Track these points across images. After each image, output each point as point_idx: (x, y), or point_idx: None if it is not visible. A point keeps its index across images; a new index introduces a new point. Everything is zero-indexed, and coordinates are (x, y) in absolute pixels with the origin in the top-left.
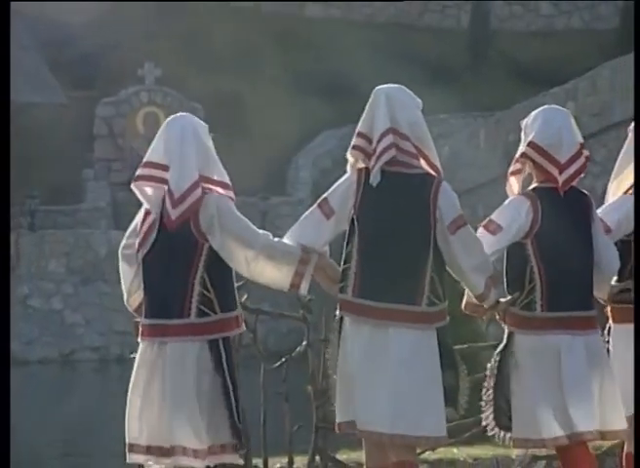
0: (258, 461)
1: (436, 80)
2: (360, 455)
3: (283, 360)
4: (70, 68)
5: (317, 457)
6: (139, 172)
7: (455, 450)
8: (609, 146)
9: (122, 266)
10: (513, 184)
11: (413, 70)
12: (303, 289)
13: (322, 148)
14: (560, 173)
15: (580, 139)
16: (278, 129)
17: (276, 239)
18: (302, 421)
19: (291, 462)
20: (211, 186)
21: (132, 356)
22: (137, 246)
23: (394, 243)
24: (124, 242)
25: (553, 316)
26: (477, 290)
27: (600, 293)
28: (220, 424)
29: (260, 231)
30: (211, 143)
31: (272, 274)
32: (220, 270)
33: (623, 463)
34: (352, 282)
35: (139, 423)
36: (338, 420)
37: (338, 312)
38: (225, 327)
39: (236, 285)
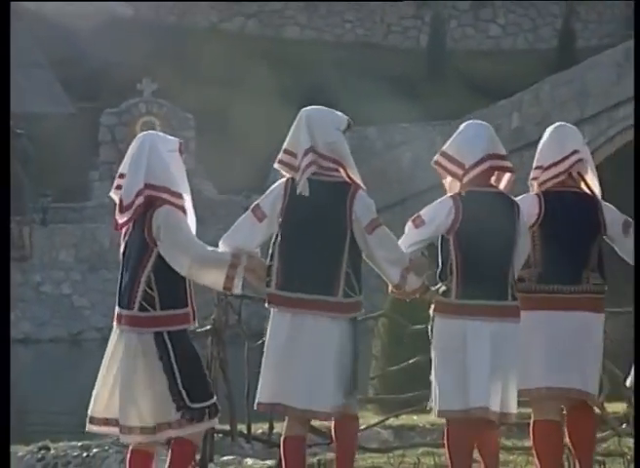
0: (242, 427)
1: (399, 93)
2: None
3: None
4: (78, 83)
5: None
6: (115, 182)
7: (414, 417)
8: None
9: None
10: (450, 186)
11: (378, 85)
12: (236, 288)
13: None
14: (464, 174)
15: (493, 151)
16: (259, 136)
17: (210, 248)
18: None
19: (271, 427)
20: (159, 194)
21: None
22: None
23: (312, 241)
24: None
25: (465, 303)
26: (393, 280)
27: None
28: (165, 404)
29: (198, 242)
30: (173, 157)
31: (207, 278)
32: (166, 272)
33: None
34: (275, 277)
35: (99, 399)
36: (258, 400)
37: (266, 304)
38: (168, 321)
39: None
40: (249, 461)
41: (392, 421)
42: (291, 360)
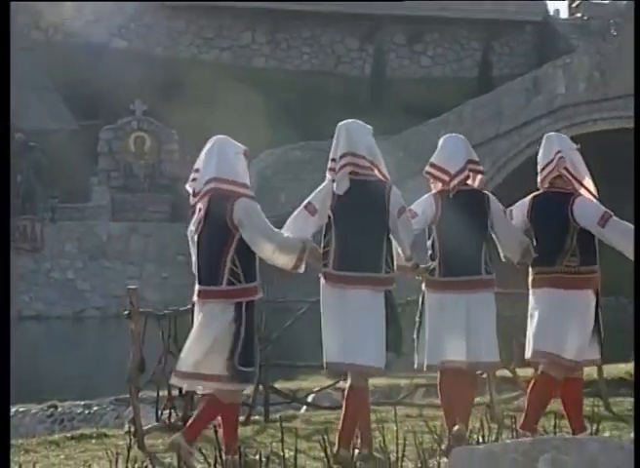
0: None
1: (348, 113)
2: (292, 385)
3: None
4: (80, 104)
5: (261, 387)
6: (191, 176)
7: None
8: None
9: (191, 247)
10: (433, 186)
11: (330, 106)
12: (301, 269)
13: (264, 162)
14: (450, 180)
15: (468, 158)
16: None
17: (285, 234)
18: None
19: (255, 399)
20: (229, 187)
21: (124, 314)
22: (192, 230)
23: (361, 230)
24: (191, 230)
25: (446, 280)
26: (408, 253)
27: (507, 256)
28: (221, 361)
29: (276, 229)
30: (239, 158)
31: (282, 260)
32: (245, 252)
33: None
34: (332, 259)
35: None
36: (326, 361)
37: (323, 281)
38: (247, 293)
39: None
40: None
41: (341, 384)
42: (350, 327)
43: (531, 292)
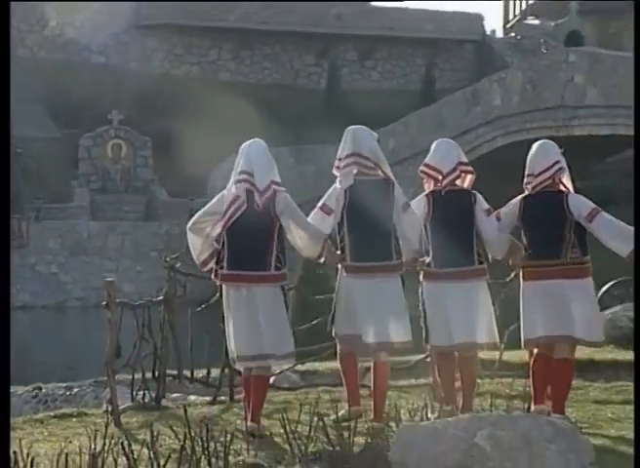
0: (187, 372)
1: (305, 122)
2: None
3: (203, 306)
4: (62, 114)
5: (226, 369)
6: (238, 177)
7: (316, 364)
8: (416, 166)
9: (191, 237)
10: (426, 186)
11: (289, 115)
12: (321, 259)
13: (229, 167)
14: (443, 179)
15: (459, 160)
16: (201, 153)
17: (315, 225)
18: (217, 346)
19: (208, 373)
20: (273, 185)
21: (102, 304)
22: (223, 222)
23: (372, 225)
24: (196, 219)
25: (440, 271)
26: (414, 245)
27: (491, 254)
28: (283, 340)
29: (311, 221)
30: (270, 158)
31: (310, 247)
32: (283, 240)
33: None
34: (349, 253)
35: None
36: (341, 333)
37: (342, 271)
38: (286, 277)
39: (172, 256)
40: (192, 397)
41: (299, 367)
42: (378, 311)
43: (531, 284)
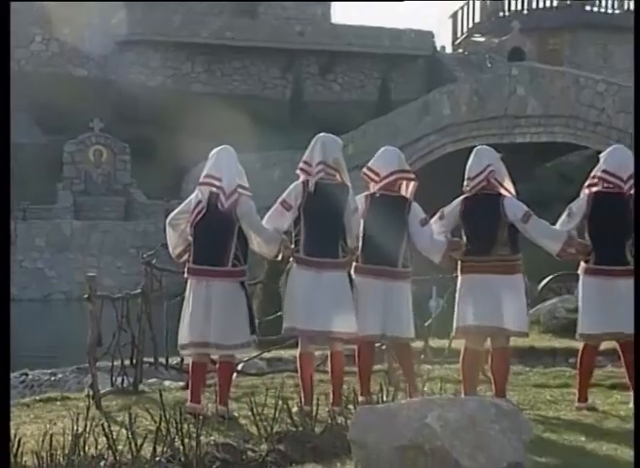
0: (162, 360)
1: (271, 130)
2: None
3: (177, 298)
4: (48, 122)
5: None
6: (201, 180)
7: (282, 352)
8: None
9: (169, 231)
10: (371, 187)
11: (257, 124)
12: (279, 257)
13: (201, 171)
14: (377, 183)
15: (398, 167)
16: (175, 158)
17: (270, 229)
18: None
19: (182, 360)
20: (239, 189)
21: (84, 297)
22: (190, 220)
23: (325, 222)
24: (173, 216)
25: (367, 267)
26: (354, 243)
27: (430, 258)
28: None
29: (265, 225)
30: (237, 164)
31: (266, 250)
32: (242, 239)
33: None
34: (302, 247)
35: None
36: (287, 325)
37: (294, 263)
38: (244, 273)
39: (149, 253)
40: (167, 382)
41: (266, 355)
42: (316, 301)
43: (465, 277)
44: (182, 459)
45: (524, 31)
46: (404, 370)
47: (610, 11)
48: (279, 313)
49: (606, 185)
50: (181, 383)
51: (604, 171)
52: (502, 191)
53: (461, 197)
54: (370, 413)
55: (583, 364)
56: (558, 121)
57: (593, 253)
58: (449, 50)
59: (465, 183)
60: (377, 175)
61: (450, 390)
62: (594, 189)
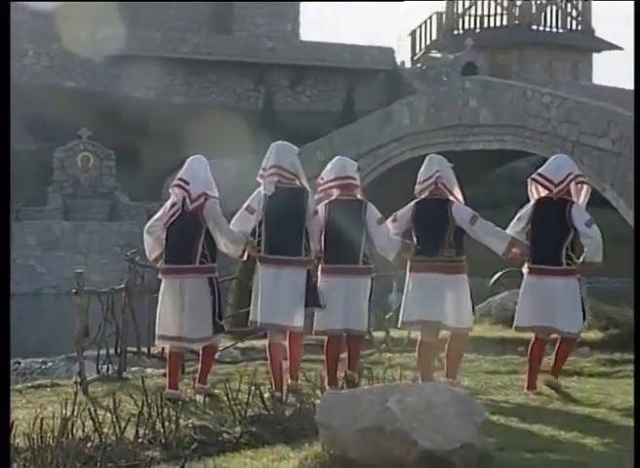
0: (144, 349)
1: (246, 138)
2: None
3: (159, 292)
4: (39, 130)
5: None
6: (174, 182)
7: (254, 342)
8: None
9: (147, 238)
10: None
11: (231, 132)
12: (245, 257)
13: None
14: (329, 188)
15: (347, 174)
16: (157, 164)
17: (236, 231)
18: None
19: (163, 349)
20: (207, 192)
21: (72, 292)
22: (163, 222)
23: (285, 223)
24: (150, 224)
25: (329, 267)
26: (316, 246)
27: (384, 255)
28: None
29: (230, 228)
30: (207, 171)
31: (231, 249)
32: (210, 239)
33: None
34: (263, 246)
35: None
36: (260, 320)
37: (258, 263)
38: (213, 270)
39: (132, 251)
40: (148, 370)
41: (240, 344)
42: (277, 295)
43: (413, 275)
44: (163, 441)
45: (476, 48)
46: (354, 357)
47: (554, 30)
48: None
49: (541, 189)
50: (162, 371)
51: (539, 174)
52: (451, 197)
53: (413, 202)
54: (335, 398)
55: (533, 354)
56: (507, 130)
57: (532, 253)
58: (408, 65)
59: (416, 187)
60: (327, 182)
61: (409, 376)
62: (539, 196)
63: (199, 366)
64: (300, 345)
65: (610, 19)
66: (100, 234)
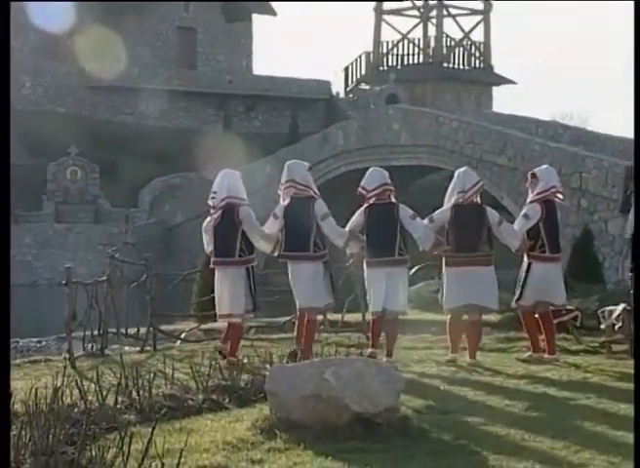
0: (123, 330)
1: (207, 156)
2: (171, 327)
3: (135, 284)
4: (35, 147)
5: (151, 328)
6: (210, 195)
7: (215, 324)
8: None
9: (204, 235)
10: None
11: (196, 151)
12: (276, 253)
13: (154, 186)
14: (368, 194)
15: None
16: (133, 176)
17: (267, 231)
18: (143, 312)
19: (138, 330)
20: (236, 200)
21: (63, 283)
22: (211, 225)
23: (300, 225)
24: (205, 225)
25: (372, 260)
26: (340, 244)
27: (421, 245)
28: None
29: (262, 228)
30: (240, 182)
31: (263, 246)
32: (247, 237)
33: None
34: (281, 245)
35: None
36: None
37: (279, 260)
38: (249, 261)
39: (113, 249)
40: (126, 348)
41: (204, 326)
42: (296, 285)
43: (454, 269)
44: (138, 407)
45: (398, 82)
46: (391, 336)
47: (461, 67)
48: (212, 295)
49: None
50: (137, 348)
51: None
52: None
53: (448, 206)
54: (281, 370)
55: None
56: (424, 149)
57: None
58: (342, 95)
59: (458, 195)
60: (365, 191)
61: (342, 353)
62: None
63: (227, 338)
64: (314, 323)
65: (505, 59)
66: (87, 235)
